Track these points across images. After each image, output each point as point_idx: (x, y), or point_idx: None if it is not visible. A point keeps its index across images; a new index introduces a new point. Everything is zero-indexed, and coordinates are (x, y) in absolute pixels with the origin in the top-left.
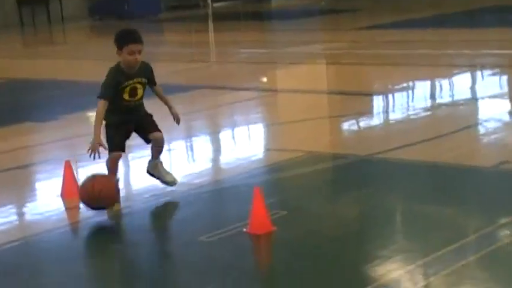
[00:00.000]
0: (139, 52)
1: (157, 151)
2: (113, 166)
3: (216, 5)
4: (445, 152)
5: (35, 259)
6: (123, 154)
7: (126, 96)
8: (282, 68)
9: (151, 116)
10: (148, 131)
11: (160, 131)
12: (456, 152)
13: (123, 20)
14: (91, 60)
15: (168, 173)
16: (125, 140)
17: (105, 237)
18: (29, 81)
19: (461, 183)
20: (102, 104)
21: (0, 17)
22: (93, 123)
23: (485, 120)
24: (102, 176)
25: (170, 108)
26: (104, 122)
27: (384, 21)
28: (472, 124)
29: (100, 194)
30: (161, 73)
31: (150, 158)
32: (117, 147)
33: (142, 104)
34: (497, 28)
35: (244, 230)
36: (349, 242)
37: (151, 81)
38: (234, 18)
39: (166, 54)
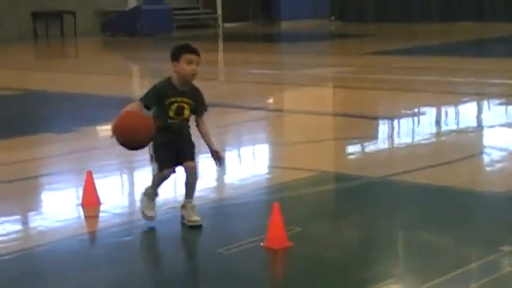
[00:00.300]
0: (197, 64)
1: (189, 187)
2: (159, 181)
3: (226, 25)
4: (455, 177)
5: (54, 265)
6: (173, 173)
7: (171, 113)
8: (294, 90)
9: (193, 145)
10: (184, 158)
11: (193, 160)
12: (466, 178)
13: (135, 37)
14: (102, 75)
15: (195, 215)
16: (175, 157)
17: (124, 247)
18: (41, 93)
19: (471, 208)
20: (138, 104)
21: (14, 29)
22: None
23: (496, 148)
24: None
25: (211, 144)
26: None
27: (392, 48)
28: (482, 151)
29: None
30: None
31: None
32: (166, 163)
33: (188, 125)
34: (504, 58)
35: (262, 244)
36: (356, 262)
37: (197, 108)
38: (244, 39)
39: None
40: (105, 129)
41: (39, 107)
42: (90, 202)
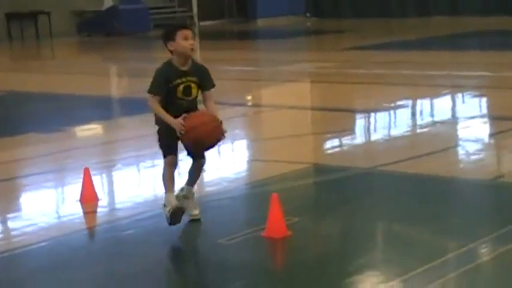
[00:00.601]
0: (193, 39)
1: (194, 175)
2: (169, 176)
3: (202, 23)
4: (442, 166)
5: (57, 261)
6: (177, 160)
7: (179, 95)
8: (274, 86)
9: None
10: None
11: (204, 157)
12: (452, 166)
13: (112, 37)
14: (79, 75)
15: (196, 208)
16: (177, 142)
17: (126, 240)
18: (22, 94)
19: (456, 196)
20: (153, 100)
21: None
22: (161, 116)
23: (479, 138)
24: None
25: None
26: (157, 127)
27: (369, 43)
28: (464, 141)
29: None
30: None
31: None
32: (170, 150)
33: (196, 105)
34: (477, 51)
35: (262, 234)
36: (351, 251)
37: (204, 84)
38: (220, 37)
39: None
40: (90, 128)
41: (20, 107)
42: (89, 198)
